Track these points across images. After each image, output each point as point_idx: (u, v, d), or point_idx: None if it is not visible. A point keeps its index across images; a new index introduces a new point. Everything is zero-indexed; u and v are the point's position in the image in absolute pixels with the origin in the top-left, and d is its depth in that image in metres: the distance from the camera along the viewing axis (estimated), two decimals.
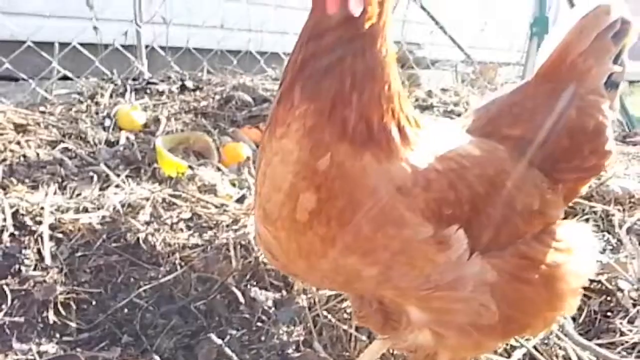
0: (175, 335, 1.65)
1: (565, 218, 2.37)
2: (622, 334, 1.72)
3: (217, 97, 3.38)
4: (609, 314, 1.83)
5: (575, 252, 1.17)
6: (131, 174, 2.45)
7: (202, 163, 2.58)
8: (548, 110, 1.16)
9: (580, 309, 1.82)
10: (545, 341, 1.66)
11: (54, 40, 3.42)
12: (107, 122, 2.88)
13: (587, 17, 1.18)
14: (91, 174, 2.36)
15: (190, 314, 1.71)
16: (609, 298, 1.87)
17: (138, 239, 1.92)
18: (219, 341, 1.57)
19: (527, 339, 1.61)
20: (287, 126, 0.98)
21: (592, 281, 1.91)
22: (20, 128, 2.64)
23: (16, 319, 1.64)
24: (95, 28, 3.51)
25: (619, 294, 1.87)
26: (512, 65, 6.18)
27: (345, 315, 1.65)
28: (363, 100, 0.96)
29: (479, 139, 1.14)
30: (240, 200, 2.28)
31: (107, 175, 2.36)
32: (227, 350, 1.54)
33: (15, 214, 1.95)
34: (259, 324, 1.64)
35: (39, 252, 1.85)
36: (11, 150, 2.43)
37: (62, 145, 2.59)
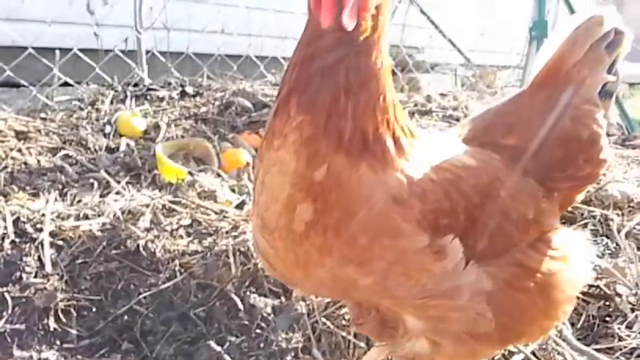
0: (175, 341, 1.66)
1: (564, 223, 2.39)
2: (620, 339, 1.72)
3: (217, 103, 3.39)
4: (607, 319, 1.83)
5: (571, 260, 1.18)
6: (131, 180, 2.46)
7: (202, 169, 2.60)
8: (543, 119, 1.17)
9: (578, 314, 1.82)
10: (544, 346, 1.66)
11: (55, 47, 3.44)
12: (108, 129, 2.89)
13: (580, 28, 1.19)
14: (92, 180, 2.38)
15: (189, 321, 1.72)
16: (607, 303, 1.88)
17: (138, 245, 1.93)
18: (219, 348, 1.58)
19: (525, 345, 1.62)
20: (283, 137, 1.00)
21: (590, 286, 1.92)
22: (21, 135, 2.66)
23: (17, 326, 1.65)
24: (95, 34, 3.53)
25: (617, 299, 1.87)
26: (512, 69, 6.20)
27: (344, 322, 1.65)
28: (358, 112, 0.97)
29: (475, 149, 1.15)
30: (240, 206, 2.29)
31: (108, 182, 2.37)
32: (227, 357, 1.55)
33: (16, 222, 1.97)
34: (258, 330, 1.65)
35: (39, 259, 1.86)
36: (12, 158, 2.45)
37: (62, 152, 2.61)
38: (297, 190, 1.00)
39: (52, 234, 1.94)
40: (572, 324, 1.79)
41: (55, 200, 2.20)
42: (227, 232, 2.02)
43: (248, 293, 1.75)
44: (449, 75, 5.44)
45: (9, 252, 1.85)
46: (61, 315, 1.72)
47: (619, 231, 2.27)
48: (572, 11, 4.19)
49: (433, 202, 1.02)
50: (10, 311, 1.68)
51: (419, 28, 5.80)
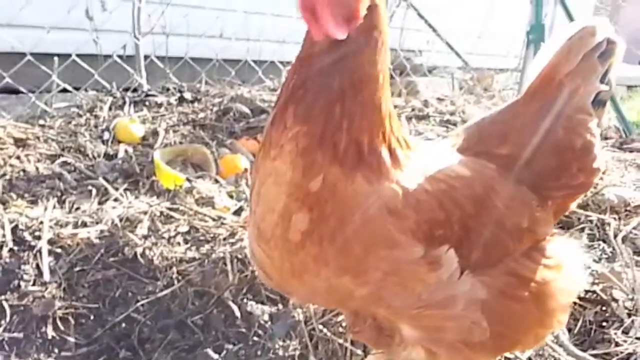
0: (173, 349, 1.67)
1: (561, 228, 2.40)
2: (617, 344, 1.73)
3: (215, 108, 3.41)
4: (604, 324, 1.83)
5: (565, 268, 1.18)
6: (129, 187, 2.46)
7: (200, 175, 2.61)
8: (536, 129, 1.18)
9: (575, 319, 1.83)
10: (540, 352, 1.67)
11: (53, 52, 3.45)
12: (106, 135, 2.90)
13: (574, 38, 1.20)
14: (90, 187, 2.38)
15: (187, 329, 1.72)
16: (604, 308, 1.88)
17: (136, 253, 1.94)
18: (216, 356, 1.59)
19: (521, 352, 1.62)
20: (280, 147, 1.01)
21: (587, 291, 1.92)
22: (20, 142, 2.67)
23: (15, 334, 1.66)
24: (94, 40, 3.54)
25: (614, 304, 1.87)
26: (510, 72, 6.21)
27: (341, 329, 1.66)
28: (353, 124, 0.98)
29: (469, 159, 1.16)
30: (238, 212, 2.30)
31: (106, 189, 2.38)
32: None
33: (14, 229, 1.97)
34: (255, 338, 1.66)
35: (37, 267, 1.87)
36: (11, 165, 2.45)
37: (61, 159, 2.61)
38: (293, 200, 1.01)
39: (51, 242, 1.94)
40: (569, 330, 1.79)
41: (54, 207, 2.20)
42: (224, 239, 2.03)
43: (245, 300, 1.76)
44: (447, 79, 5.45)
45: (7, 260, 1.86)
46: (59, 323, 1.72)
47: (615, 235, 2.28)
48: (569, 15, 4.20)
49: (428, 212, 1.03)
50: (8, 319, 1.68)
51: (417, 31, 5.82)
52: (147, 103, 3.43)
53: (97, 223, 2.07)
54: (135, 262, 1.92)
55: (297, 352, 1.61)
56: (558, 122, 1.20)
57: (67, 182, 2.42)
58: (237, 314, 1.71)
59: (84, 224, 2.07)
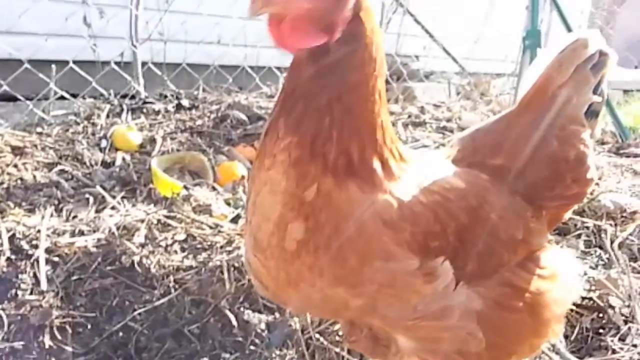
0: (170, 358, 1.67)
1: (558, 234, 2.40)
2: (614, 351, 1.73)
3: (213, 115, 3.42)
4: (600, 331, 1.84)
5: (559, 279, 1.19)
6: (127, 194, 2.47)
7: (198, 183, 2.61)
8: (530, 140, 1.19)
9: (572, 326, 1.84)
10: None
11: (51, 59, 3.46)
12: (104, 143, 2.91)
13: (566, 51, 1.21)
14: (87, 195, 2.38)
15: (184, 338, 1.72)
16: (600, 315, 1.89)
17: (133, 261, 1.94)
18: None
19: None
20: (273, 157, 1.01)
21: (583, 298, 1.93)
22: (17, 151, 2.67)
23: (13, 344, 1.65)
24: (92, 48, 3.55)
25: (610, 311, 1.88)
26: (507, 77, 6.23)
27: (338, 338, 1.66)
28: (343, 136, 0.99)
29: (463, 170, 1.17)
30: (235, 219, 2.30)
31: (103, 197, 2.38)
32: None
33: (12, 238, 1.97)
34: (252, 347, 1.66)
35: (35, 276, 1.87)
36: (8, 174, 2.46)
37: (58, 167, 2.62)
38: (289, 209, 1.01)
39: (48, 251, 1.94)
40: (566, 337, 1.80)
41: (51, 216, 2.21)
42: (221, 247, 2.03)
43: (242, 309, 1.76)
44: (444, 84, 5.47)
45: (5, 269, 1.86)
46: (56, 333, 1.72)
47: (612, 242, 2.29)
48: (564, 21, 4.23)
49: (423, 224, 1.03)
50: (6, 329, 1.68)
51: (414, 37, 5.85)
52: (144, 110, 3.44)
53: (94, 231, 2.08)
54: (132, 271, 1.93)
55: None
56: (551, 133, 1.21)
57: (64, 191, 2.42)
58: (234, 322, 1.71)
59: (81, 233, 2.07)
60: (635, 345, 1.73)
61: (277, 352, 1.63)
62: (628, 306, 1.88)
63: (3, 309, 1.73)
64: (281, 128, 1.00)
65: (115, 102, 3.46)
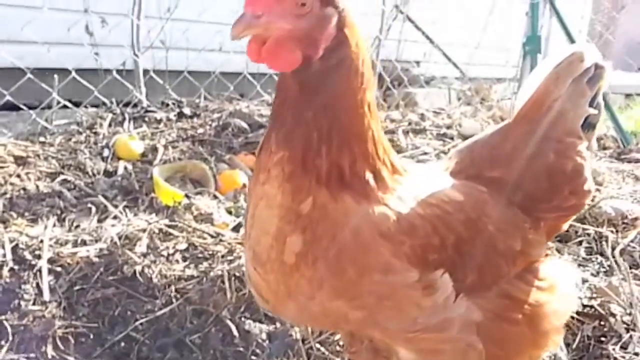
0: None
1: (559, 241, 2.40)
2: None
3: (214, 124, 3.43)
4: (602, 339, 1.83)
5: (558, 290, 1.20)
6: (129, 204, 2.48)
7: (199, 191, 2.62)
8: (527, 152, 1.20)
9: (573, 334, 1.83)
10: None
11: (54, 67, 3.49)
12: (106, 152, 2.93)
13: (562, 64, 1.22)
14: (89, 205, 2.40)
15: (185, 347, 1.73)
16: (602, 323, 1.88)
17: (135, 271, 1.95)
18: None
19: None
20: (267, 172, 1.03)
21: (584, 306, 1.93)
22: (20, 161, 2.70)
23: (16, 355, 1.66)
24: (95, 56, 3.58)
25: (612, 319, 1.88)
26: (508, 82, 6.24)
27: (338, 348, 1.67)
28: (332, 150, 1.00)
29: (462, 182, 1.18)
30: (236, 228, 2.31)
31: (105, 206, 2.40)
32: None
33: (14, 249, 1.99)
34: (253, 357, 1.66)
35: (37, 286, 1.88)
36: (11, 184, 2.48)
37: (61, 177, 2.64)
38: (286, 222, 1.02)
39: (50, 261, 1.96)
40: (567, 345, 1.79)
41: (54, 225, 2.22)
42: (222, 256, 2.04)
43: (243, 319, 1.77)
44: (445, 90, 5.48)
45: (8, 280, 1.87)
46: (59, 343, 1.73)
47: (613, 249, 2.28)
48: (564, 27, 4.24)
49: (422, 237, 1.04)
50: (9, 340, 1.69)
51: (414, 43, 5.87)
52: (146, 119, 3.46)
53: (96, 241, 2.09)
54: (134, 281, 1.94)
55: None
56: (548, 145, 1.22)
57: (67, 200, 2.44)
58: (235, 332, 1.72)
59: (84, 243, 2.08)
60: (637, 354, 1.72)
61: None
62: (629, 314, 1.88)
63: (6, 320, 1.74)
64: (273, 143, 1.02)
65: (117, 111, 3.48)
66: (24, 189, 2.48)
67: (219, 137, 3.28)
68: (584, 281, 2.07)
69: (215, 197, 2.60)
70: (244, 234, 1.16)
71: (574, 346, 1.80)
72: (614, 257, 2.21)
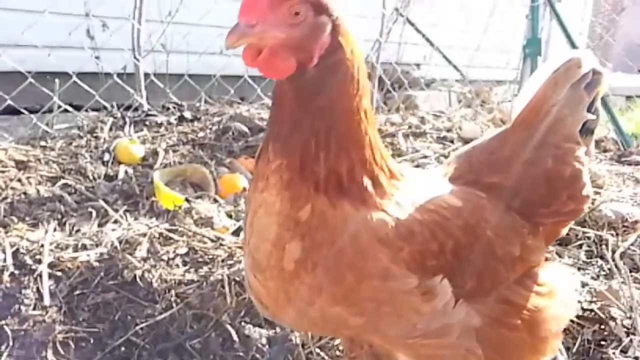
0: None
1: (559, 244, 2.40)
2: None
3: (215, 127, 3.44)
4: (602, 343, 1.83)
5: (557, 295, 1.20)
6: (129, 208, 2.49)
7: (199, 195, 2.63)
8: (525, 158, 1.20)
9: (573, 338, 1.83)
10: None
11: (55, 71, 3.50)
12: (107, 157, 2.93)
13: (560, 70, 1.23)
14: (90, 209, 2.40)
15: (185, 352, 1.73)
16: (602, 327, 1.88)
17: (135, 275, 1.95)
18: None
19: None
20: (266, 180, 1.03)
21: (585, 310, 1.93)
22: (21, 165, 2.70)
23: None
24: (96, 60, 3.59)
25: (612, 323, 1.88)
26: (508, 84, 6.25)
27: (338, 353, 1.67)
28: (330, 156, 1.00)
29: (460, 188, 1.18)
30: (236, 232, 2.32)
31: (106, 211, 2.40)
32: None
33: (15, 253, 1.99)
34: None
35: (38, 291, 1.88)
36: (12, 188, 2.48)
37: (62, 181, 2.64)
38: (285, 229, 1.03)
39: (51, 265, 1.96)
40: (567, 349, 1.79)
41: (54, 230, 2.23)
42: (222, 261, 2.05)
43: (243, 323, 1.77)
44: (445, 92, 5.49)
45: (8, 284, 1.87)
46: (59, 347, 1.73)
47: (613, 252, 2.28)
48: (564, 30, 4.25)
49: (421, 243, 1.04)
50: (9, 345, 1.69)
51: (415, 45, 5.87)
52: (147, 123, 3.47)
53: (97, 246, 2.09)
54: (134, 285, 1.94)
55: None
56: (547, 151, 1.22)
57: (67, 205, 2.44)
58: (235, 337, 1.72)
59: (84, 247, 2.09)
60: (637, 358, 1.72)
61: None
62: (630, 318, 1.87)
63: (6, 325, 1.74)
64: (271, 151, 1.03)
65: (118, 115, 3.49)
66: (25, 193, 2.49)
67: (219, 141, 3.28)
68: (584, 285, 2.07)
69: (215, 200, 2.60)
70: (244, 240, 1.17)
71: (574, 350, 1.79)
72: (614, 260, 2.21)
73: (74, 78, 3.43)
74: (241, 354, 1.69)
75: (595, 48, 6.12)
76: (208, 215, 2.39)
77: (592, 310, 1.93)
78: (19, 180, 2.57)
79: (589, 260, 2.31)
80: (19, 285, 1.88)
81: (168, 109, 3.73)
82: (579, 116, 1.23)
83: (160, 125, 3.45)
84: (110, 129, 3.32)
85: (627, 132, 4.45)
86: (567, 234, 2.43)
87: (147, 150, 3.09)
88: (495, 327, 1.13)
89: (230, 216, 2.48)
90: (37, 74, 3.40)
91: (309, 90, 0.99)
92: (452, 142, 3.38)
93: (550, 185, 1.22)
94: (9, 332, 1.72)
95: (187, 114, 3.62)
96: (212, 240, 2.18)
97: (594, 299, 1.98)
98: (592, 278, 2.18)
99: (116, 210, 2.40)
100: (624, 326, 1.86)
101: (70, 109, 3.45)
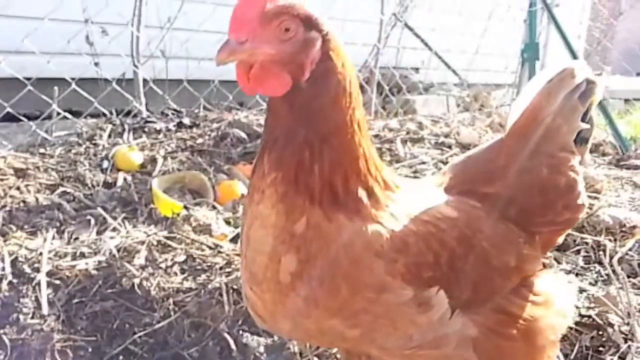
0: None
1: (557, 250, 2.40)
2: None
3: (213, 134, 3.45)
4: (600, 349, 1.83)
5: (554, 305, 1.20)
6: (128, 215, 2.49)
7: (198, 202, 2.63)
8: (520, 168, 1.21)
9: (571, 344, 1.83)
10: None
11: (54, 77, 3.51)
12: (105, 164, 2.94)
13: (554, 80, 1.24)
14: (89, 217, 2.41)
15: None
16: (600, 333, 1.88)
17: (133, 284, 1.95)
18: None
19: None
20: (261, 192, 1.04)
21: (582, 316, 1.93)
22: (20, 173, 2.71)
23: None
24: (96, 69, 3.60)
25: (610, 330, 1.88)
26: (507, 88, 6.26)
27: None
28: (324, 169, 1.01)
29: (456, 198, 1.18)
30: (235, 239, 2.32)
31: (104, 218, 2.41)
32: None
33: (14, 262, 2.00)
34: None
35: (36, 299, 1.89)
36: (11, 196, 2.49)
37: (60, 189, 2.65)
38: (280, 242, 1.03)
39: (49, 274, 1.96)
40: (565, 355, 1.79)
41: (53, 238, 2.23)
42: (220, 268, 2.05)
43: (241, 332, 1.77)
44: (444, 97, 5.50)
45: (7, 293, 1.88)
46: (58, 356, 1.73)
47: (611, 257, 2.28)
48: (562, 34, 4.26)
49: (416, 255, 1.04)
50: (8, 354, 1.70)
51: (413, 49, 5.89)
52: (146, 129, 3.48)
53: (95, 254, 2.09)
54: (132, 293, 1.94)
55: None
56: (541, 160, 1.22)
57: (66, 212, 2.45)
58: (233, 346, 1.72)
59: (83, 255, 2.09)
60: None
61: None
62: (627, 324, 1.87)
63: (5, 334, 1.75)
64: (266, 165, 1.03)
65: (117, 122, 3.50)
66: (24, 201, 2.49)
67: (217, 147, 3.29)
68: (582, 290, 2.08)
69: (214, 207, 2.60)
70: (240, 253, 1.17)
71: (572, 357, 1.79)
72: (611, 266, 2.21)
73: (73, 85, 3.45)
74: None
75: (593, 52, 6.14)
76: (206, 223, 2.39)
77: (590, 317, 1.93)
78: (18, 188, 2.58)
79: (587, 265, 2.32)
80: (18, 294, 1.88)
81: (167, 115, 3.75)
82: (574, 125, 1.23)
83: (159, 131, 3.46)
84: (109, 136, 3.33)
85: (626, 135, 4.46)
86: (565, 240, 2.43)
87: (145, 157, 3.10)
88: (491, 337, 1.13)
89: (228, 223, 2.48)
90: (37, 80, 3.41)
91: (303, 104, 1.00)
92: (450, 147, 3.38)
93: (545, 194, 1.22)
94: (7, 342, 1.72)
95: (186, 120, 3.63)
96: (211, 248, 2.18)
97: (592, 305, 1.98)
98: (590, 284, 2.18)
99: (115, 218, 2.41)
100: (621, 332, 1.86)
101: (69, 115, 3.46)
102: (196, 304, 1.88)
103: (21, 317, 1.82)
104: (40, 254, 2.04)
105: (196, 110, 3.95)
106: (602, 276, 2.25)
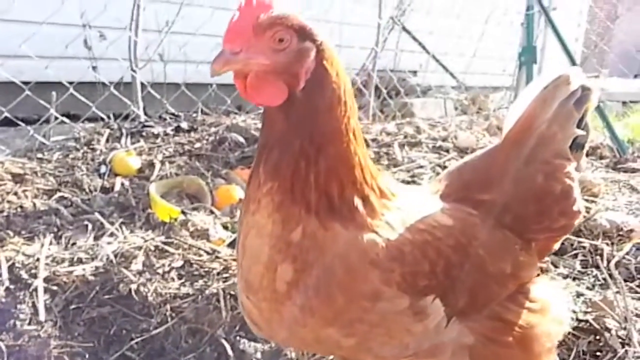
0: None
1: (555, 254, 2.40)
2: None
3: (211, 138, 3.45)
4: (597, 354, 1.83)
5: (550, 312, 1.20)
6: (125, 220, 2.49)
7: (196, 207, 2.63)
8: (516, 175, 1.21)
9: (569, 349, 1.83)
10: None
11: (52, 81, 3.51)
12: (103, 169, 2.94)
13: (549, 87, 1.24)
14: (86, 222, 2.41)
15: None
16: (597, 337, 1.88)
17: (130, 289, 1.95)
18: None
19: None
20: (257, 202, 1.04)
21: (580, 320, 1.93)
22: (17, 178, 2.71)
23: None
24: (94, 74, 3.61)
25: (607, 334, 1.88)
26: (505, 90, 6.28)
27: None
28: (320, 178, 1.01)
29: (452, 206, 1.19)
30: (232, 244, 2.32)
31: (102, 223, 2.40)
32: None
33: (11, 267, 2.00)
34: None
35: (33, 305, 1.88)
36: (8, 202, 2.48)
37: (58, 194, 2.64)
38: (276, 251, 1.04)
39: (47, 279, 1.96)
40: None
41: (50, 244, 2.23)
42: (218, 274, 2.05)
43: (238, 338, 1.77)
44: (441, 100, 5.51)
45: (4, 299, 1.88)
46: None
47: (608, 261, 2.29)
48: (559, 38, 4.27)
49: (412, 264, 1.05)
50: None
51: (411, 52, 5.90)
52: (143, 134, 3.48)
53: (92, 259, 2.09)
54: (129, 299, 1.94)
55: None
56: (537, 167, 1.23)
57: (63, 218, 2.44)
58: (230, 352, 1.72)
59: (80, 261, 2.09)
60: None
61: None
62: (624, 329, 1.87)
63: (1, 340, 1.74)
64: (262, 175, 1.04)
65: (115, 127, 3.50)
66: (21, 206, 2.49)
67: (215, 152, 3.29)
68: (579, 295, 2.08)
69: (211, 212, 2.60)
70: (237, 262, 1.17)
71: None
72: (609, 270, 2.21)
73: (71, 90, 3.45)
74: None
75: (590, 54, 6.16)
76: (204, 228, 2.39)
77: (587, 321, 1.93)
78: (15, 193, 2.57)
79: (584, 270, 2.32)
80: (15, 300, 1.88)
81: (165, 119, 3.75)
82: (569, 132, 1.23)
83: (156, 136, 3.46)
84: (107, 141, 3.33)
85: (623, 138, 4.47)
86: (562, 244, 2.42)
87: (143, 162, 3.10)
88: (488, 345, 1.13)
89: (226, 228, 2.48)
90: (35, 84, 3.41)
91: (298, 113, 1.00)
92: (447, 151, 3.39)
93: (541, 201, 1.22)
94: (4, 348, 1.72)
95: (184, 125, 3.63)
96: (208, 253, 2.18)
97: (589, 310, 1.98)
98: (588, 288, 2.18)
99: (112, 223, 2.40)
100: (619, 337, 1.86)
101: (67, 120, 3.46)
102: (193, 309, 1.87)
103: (18, 323, 1.81)
104: (38, 259, 2.04)
105: (194, 114, 3.96)
106: (599, 280, 2.25)
